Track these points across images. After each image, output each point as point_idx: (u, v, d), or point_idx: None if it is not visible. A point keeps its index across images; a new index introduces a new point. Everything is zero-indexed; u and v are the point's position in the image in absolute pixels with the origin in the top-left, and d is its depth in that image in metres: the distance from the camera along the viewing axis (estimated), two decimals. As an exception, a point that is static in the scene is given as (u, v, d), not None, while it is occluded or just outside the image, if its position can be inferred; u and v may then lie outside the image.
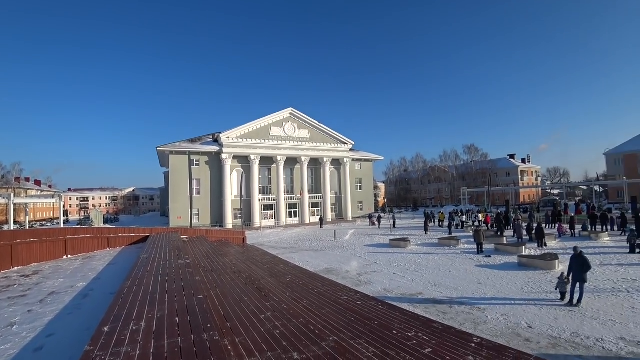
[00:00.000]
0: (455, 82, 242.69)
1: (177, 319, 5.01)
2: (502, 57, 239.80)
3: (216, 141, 46.74)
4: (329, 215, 51.42)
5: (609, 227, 25.52)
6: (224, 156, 44.53)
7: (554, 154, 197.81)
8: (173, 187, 43.25)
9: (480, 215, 36.35)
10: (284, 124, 49.05)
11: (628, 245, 18.02)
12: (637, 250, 17.48)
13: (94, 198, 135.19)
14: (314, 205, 51.99)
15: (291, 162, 50.35)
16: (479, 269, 15.88)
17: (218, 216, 45.00)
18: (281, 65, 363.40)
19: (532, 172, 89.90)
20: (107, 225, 42.23)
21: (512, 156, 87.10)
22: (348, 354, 5.00)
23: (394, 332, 6.14)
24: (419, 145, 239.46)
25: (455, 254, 19.92)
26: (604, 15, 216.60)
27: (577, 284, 10.41)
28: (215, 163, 45.40)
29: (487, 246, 20.54)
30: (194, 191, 44.30)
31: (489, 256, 18.63)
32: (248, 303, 7.64)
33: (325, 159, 51.63)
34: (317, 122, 51.30)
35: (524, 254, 17.86)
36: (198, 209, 44.44)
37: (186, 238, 20.29)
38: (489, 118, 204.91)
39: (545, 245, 20.56)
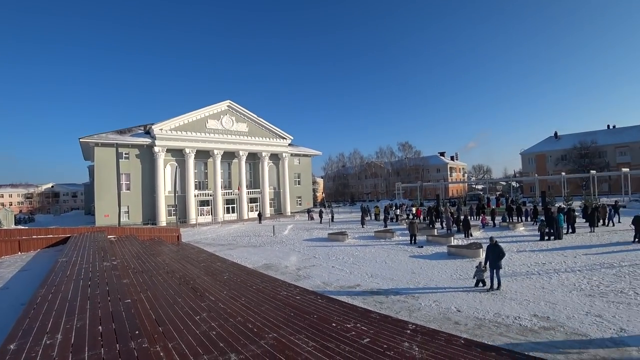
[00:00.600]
0: (388, 78, 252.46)
1: (100, 327, 4.57)
2: (436, 59, 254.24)
3: (148, 133, 43.83)
4: (268, 211, 50.90)
5: (523, 218, 28.39)
6: (156, 149, 41.89)
7: (479, 152, 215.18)
8: (99, 183, 39.67)
9: (414, 208, 38.39)
10: (222, 116, 47.40)
11: (539, 233, 20.16)
12: (546, 238, 19.66)
13: (2, 196, 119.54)
14: (252, 200, 51.07)
15: (229, 156, 48.93)
16: (413, 259, 16.72)
17: (150, 213, 42.37)
18: (216, 55, 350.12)
19: (459, 168, 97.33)
20: (19, 227, 37.69)
21: (442, 154, 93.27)
22: (288, 350, 4.98)
23: (334, 324, 6.25)
24: (356, 141, 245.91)
25: (391, 245, 20.80)
26: (525, 29, 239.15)
27: (494, 271, 11.37)
28: (147, 156, 42.57)
29: (419, 237, 21.72)
30: (123, 187, 41.13)
31: (421, 247, 19.71)
32: (182, 304, 7.28)
33: (263, 154, 50.96)
34: (255, 116, 50.32)
35: (452, 244, 19.11)
36: (128, 206, 41.37)
37: (114, 238, 18.87)
38: (422, 116, 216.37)
39: (471, 236, 22.27)
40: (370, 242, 22.62)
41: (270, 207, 52.57)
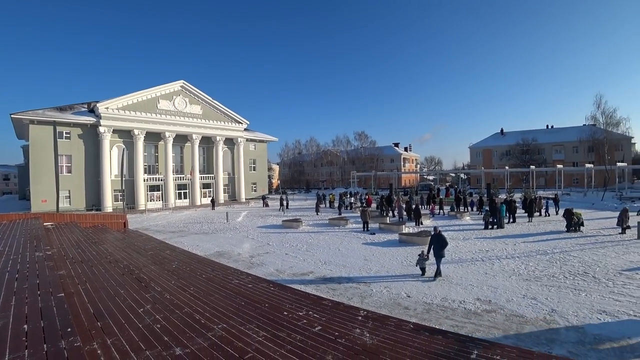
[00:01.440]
0: (349, 64, 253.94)
1: (25, 326, 4.09)
2: (392, 49, 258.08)
3: (92, 111, 40.59)
4: (222, 197, 49.68)
5: (469, 208, 30.01)
6: (102, 129, 38.97)
7: (432, 144, 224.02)
8: (35, 165, 36.20)
9: (368, 197, 39.27)
10: (174, 97, 45.10)
11: (483, 222, 21.43)
12: (490, 227, 20.92)
13: None
14: (205, 186, 49.54)
15: (181, 139, 46.85)
16: (365, 247, 17.09)
17: (95, 199, 39.59)
18: (168, 35, 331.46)
19: (412, 159, 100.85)
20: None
21: (396, 144, 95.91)
22: (237, 341, 4.84)
23: (285, 313, 6.19)
24: (313, 129, 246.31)
25: (344, 233, 21.12)
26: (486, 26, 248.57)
27: (437, 259, 11.83)
28: (91, 137, 39.47)
29: (372, 225, 22.25)
30: (64, 169, 37.97)
31: (374, 234, 20.19)
32: (125, 296, 6.85)
33: (218, 138, 49.40)
34: (210, 99, 48.48)
35: (404, 232, 19.73)
36: (69, 191, 38.28)
37: (51, 225, 17.44)
38: (379, 105, 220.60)
39: (422, 224, 23.15)
40: (324, 229, 22.84)
41: (224, 193, 51.38)
